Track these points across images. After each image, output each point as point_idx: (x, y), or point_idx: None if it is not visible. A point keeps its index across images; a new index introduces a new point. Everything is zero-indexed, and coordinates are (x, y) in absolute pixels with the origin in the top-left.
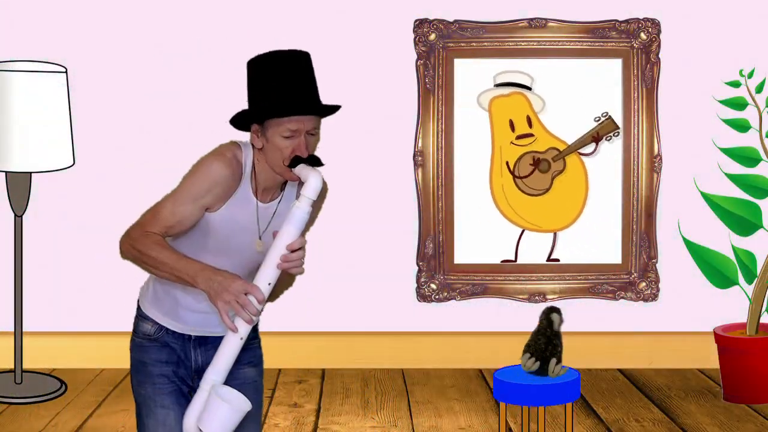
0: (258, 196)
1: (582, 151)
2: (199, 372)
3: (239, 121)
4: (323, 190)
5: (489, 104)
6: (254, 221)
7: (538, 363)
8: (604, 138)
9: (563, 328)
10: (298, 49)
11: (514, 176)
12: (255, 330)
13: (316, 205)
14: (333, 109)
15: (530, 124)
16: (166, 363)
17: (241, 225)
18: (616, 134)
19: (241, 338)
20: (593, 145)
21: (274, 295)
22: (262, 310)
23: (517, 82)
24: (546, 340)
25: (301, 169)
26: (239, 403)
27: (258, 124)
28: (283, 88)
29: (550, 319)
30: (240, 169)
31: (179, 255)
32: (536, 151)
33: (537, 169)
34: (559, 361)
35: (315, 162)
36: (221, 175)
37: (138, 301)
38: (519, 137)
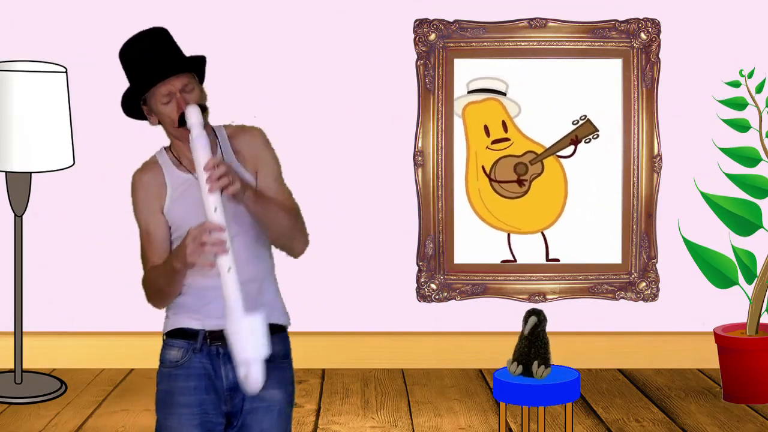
0: (193, 171)
1: (560, 153)
2: (232, 390)
3: (132, 112)
4: (258, 130)
5: (462, 111)
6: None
7: (520, 367)
8: (583, 140)
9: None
10: (146, 29)
11: (491, 179)
12: (286, 347)
13: (259, 141)
14: (191, 61)
15: (506, 129)
16: (194, 390)
17: (193, 202)
18: (595, 136)
19: (229, 268)
20: (571, 147)
21: (280, 239)
22: (225, 232)
23: (491, 88)
24: (528, 344)
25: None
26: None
27: (144, 105)
28: (138, 65)
29: (527, 323)
30: (157, 164)
31: (166, 258)
32: (513, 155)
33: (516, 174)
34: (542, 362)
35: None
36: (141, 179)
37: (163, 334)
38: (494, 142)
